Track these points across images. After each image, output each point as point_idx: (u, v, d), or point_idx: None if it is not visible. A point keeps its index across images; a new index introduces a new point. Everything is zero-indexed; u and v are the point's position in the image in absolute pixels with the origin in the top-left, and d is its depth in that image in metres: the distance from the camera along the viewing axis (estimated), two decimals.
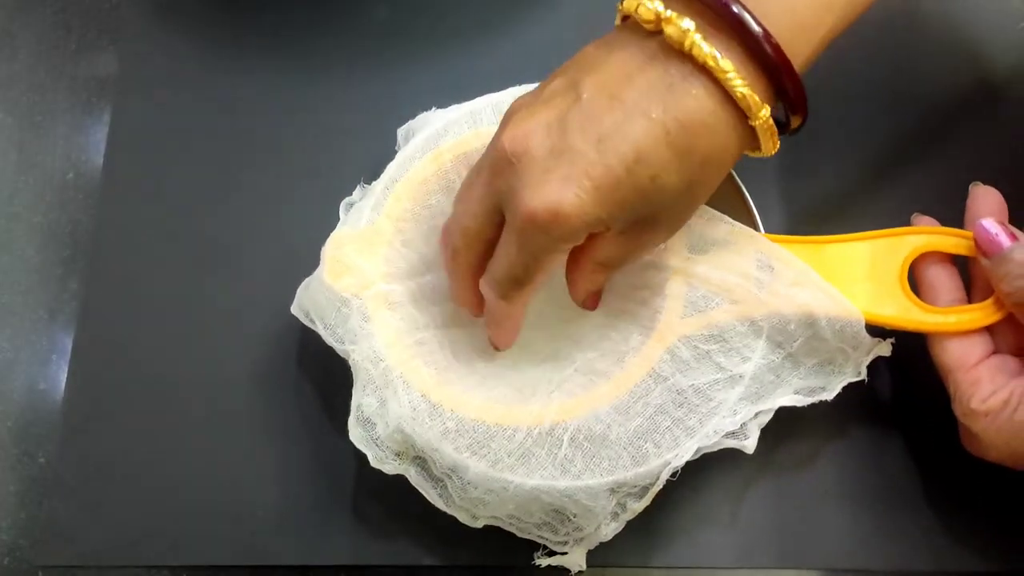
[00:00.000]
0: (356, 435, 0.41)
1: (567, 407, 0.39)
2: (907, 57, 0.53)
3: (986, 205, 0.41)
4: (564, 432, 0.39)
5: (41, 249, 0.51)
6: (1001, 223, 0.40)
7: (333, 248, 0.43)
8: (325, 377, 0.47)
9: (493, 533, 0.42)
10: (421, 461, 0.41)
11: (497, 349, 0.43)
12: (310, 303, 0.43)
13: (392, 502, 0.45)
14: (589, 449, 0.39)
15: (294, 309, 0.44)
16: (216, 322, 0.49)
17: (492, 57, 0.53)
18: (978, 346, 0.40)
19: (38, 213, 0.52)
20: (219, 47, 0.55)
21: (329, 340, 0.42)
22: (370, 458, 0.41)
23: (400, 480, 0.41)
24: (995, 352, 0.40)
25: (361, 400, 0.41)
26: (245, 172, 0.52)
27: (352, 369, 0.42)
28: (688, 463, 0.40)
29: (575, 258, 0.39)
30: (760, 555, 0.44)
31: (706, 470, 0.43)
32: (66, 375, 0.48)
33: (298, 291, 0.44)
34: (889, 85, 0.52)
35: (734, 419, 0.39)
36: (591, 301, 0.42)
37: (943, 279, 0.41)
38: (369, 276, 0.42)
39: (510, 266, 0.37)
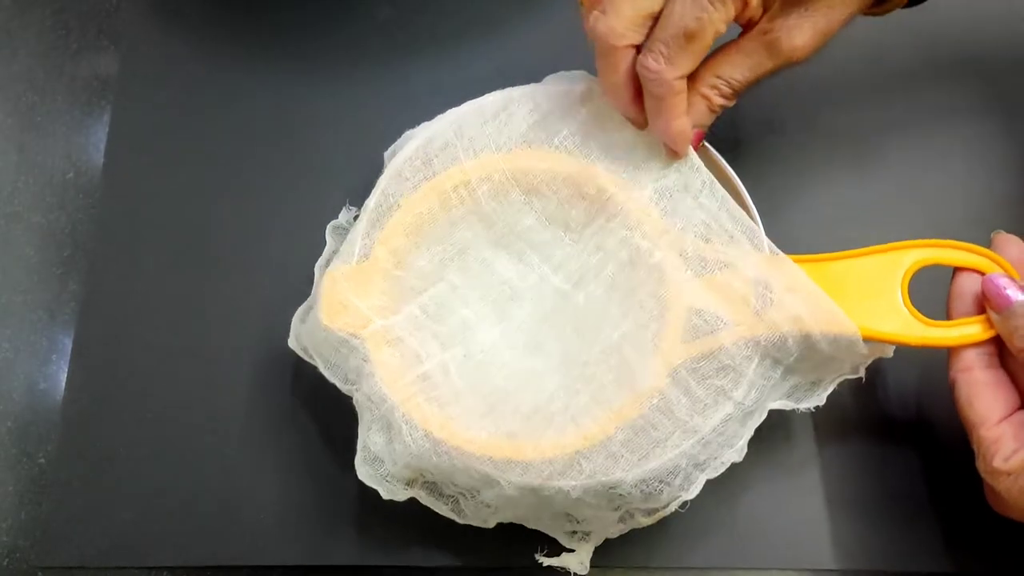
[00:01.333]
0: (365, 473, 0.41)
1: (580, 443, 0.39)
2: (912, 67, 0.53)
3: (1008, 255, 0.40)
4: (579, 475, 0.38)
5: (41, 249, 0.51)
6: (1011, 277, 0.39)
7: (328, 287, 0.42)
8: (324, 377, 0.47)
9: (494, 534, 0.42)
10: (431, 485, 0.41)
11: (677, 153, 0.42)
12: (309, 340, 0.43)
13: (392, 502, 0.44)
14: (600, 492, 0.38)
15: (292, 344, 0.44)
16: (215, 322, 0.49)
17: (492, 57, 0.53)
18: (1003, 401, 0.39)
19: (38, 213, 0.52)
20: (219, 47, 0.55)
21: (331, 378, 0.42)
22: (381, 493, 0.41)
23: None
24: (1021, 408, 0.39)
25: (367, 438, 0.41)
26: (245, 171, 0.52)
27: (356, 408, 0.42)
28: None
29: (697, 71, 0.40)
30: (761, 556, 0.44)
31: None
32: (66, 375, 0.48)
33: (293, 323, 0.44)
34: (890, 96, 0.52)
35: (741, 445, 0.40)
36: (695, 137, 0.42)
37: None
38: (365, 314, 0.41)
39: (680, 17, 0.38)
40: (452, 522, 0.41)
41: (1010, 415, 0.38)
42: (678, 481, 0.39)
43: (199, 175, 0.52)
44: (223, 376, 0.48)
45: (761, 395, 0.40)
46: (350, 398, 0.42)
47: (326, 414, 0.46)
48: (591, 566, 0.42)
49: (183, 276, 0.50)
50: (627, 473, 0.38)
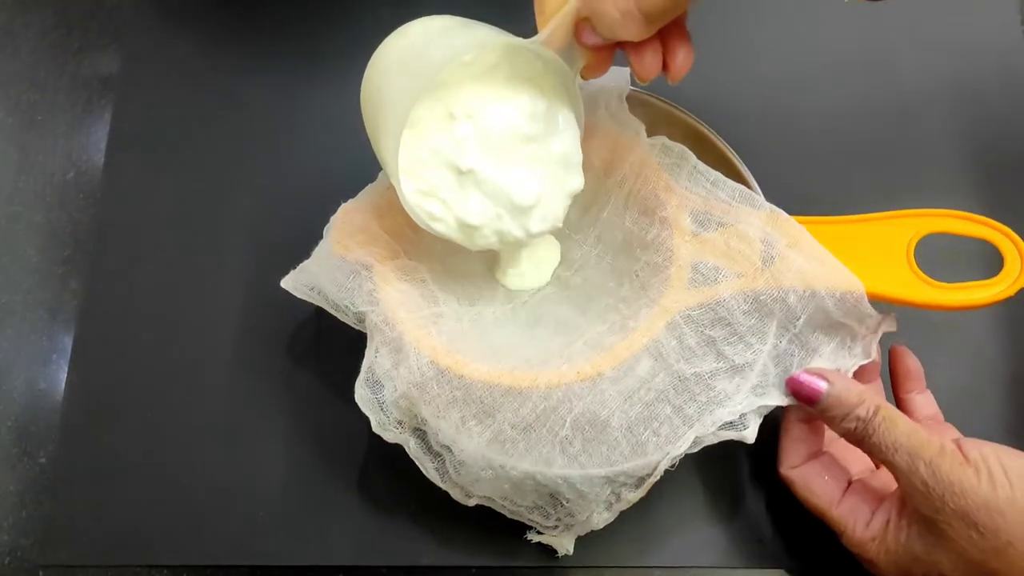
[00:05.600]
0: (362, 396, 0.41)
1: (572, 377, 0.39)
2: (916, 48, 0.53)
3: (905, 366, 0.44)
4: (568, 413, 0.39)
5: (41, 249, 0.52)
6: (809, 371, 0.40)
7: (344, 215, 0.43)
8: (326, 379, 0.47)
9: (492, 534, 0.42)
10: (421, 433, 0.41)
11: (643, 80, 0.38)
12: (321, 268, 0.43)
13: (391, 503, 0.45)
14: (589, 433, 0.39)
15: (288, 284, 0.43)
16: (216, 322, 0.49)
17: None
18: (837, 481, 0.41)
19: (39, 212, 0.52)
20: (220, 47, 0.55)
21: (335, 306, 0.42)
22: (372, 423, 0.41)
23: (399, 480, 0.41)
24: (854, 478, 0.41)
25: (373, 361, 0.41)
26: (244, 170, 0.52)
27: (367, 332, 0.42)
28: (686, 460, 0.39)
29: None
30: (759, 554, 0.44)
31: (704, 469, 0.43)
32: (66, 375, 0.48)
33: (301, 266, 0.44)
34: (894, 75, 0.53)
35: (734, 409, 0.40)
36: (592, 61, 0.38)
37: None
38: (394, 248, 0.43)
39: None
40: (449, 523, 0.41)
41: (848, 488, 0.41)
42: (664, 431, 0.39)
43: (199, 174, 0.52)
44: (223, 376, 0.48)
45: (757, 357, 0.40)
46: (351, 398, 0.42)
47: (327, 416, 0.46)
48: (586, 565, 0.42)
49: (183, 275, 0.50)
50: (613, 413, 0.39)
